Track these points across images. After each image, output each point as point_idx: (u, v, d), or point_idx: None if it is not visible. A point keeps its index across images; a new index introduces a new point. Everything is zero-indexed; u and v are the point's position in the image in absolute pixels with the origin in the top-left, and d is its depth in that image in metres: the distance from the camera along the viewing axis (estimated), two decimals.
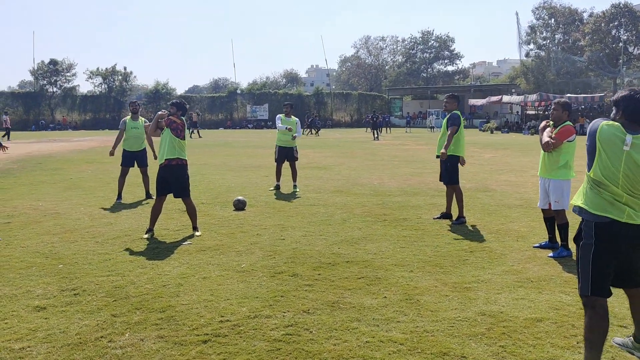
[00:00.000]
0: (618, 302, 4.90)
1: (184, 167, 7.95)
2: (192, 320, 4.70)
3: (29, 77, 75.25)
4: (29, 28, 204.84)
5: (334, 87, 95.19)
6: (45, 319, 4.74)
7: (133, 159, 11.20)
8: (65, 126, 64.93)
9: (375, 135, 37.60)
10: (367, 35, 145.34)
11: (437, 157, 9.02)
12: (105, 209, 10.00)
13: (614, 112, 3.78)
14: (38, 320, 4.71)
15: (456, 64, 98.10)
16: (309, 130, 46.59)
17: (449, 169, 8.84)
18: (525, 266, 6.30)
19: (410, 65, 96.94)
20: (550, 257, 6.68)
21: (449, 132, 8.73)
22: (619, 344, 4.19)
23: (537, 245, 7.18)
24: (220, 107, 72.65)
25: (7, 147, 7.50)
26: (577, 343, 4.21)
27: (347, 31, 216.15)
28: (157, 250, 7.08)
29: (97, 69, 70.58)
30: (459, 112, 8.91)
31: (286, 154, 12.46)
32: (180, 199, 8.14)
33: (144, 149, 11.31)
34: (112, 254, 6.85)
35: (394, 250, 7.04)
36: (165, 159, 7.80)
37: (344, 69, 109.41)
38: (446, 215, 9.04)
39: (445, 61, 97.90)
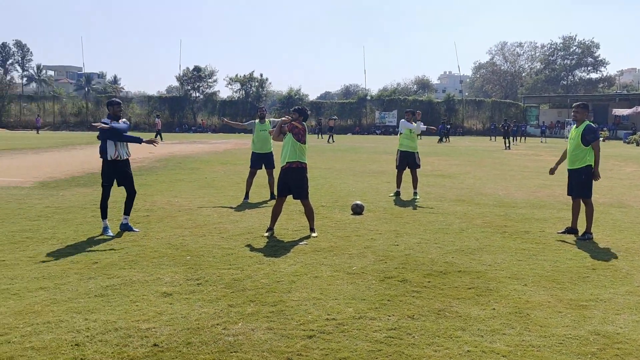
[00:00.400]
0: None
1: (304, 170, 8.29)
2: (300, 316, 4.94)
3: (175, 83, 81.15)
4: (177, 36, 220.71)
5: (466, 94, 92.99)
6: (170, 304, 5.21)
7: (261, 161, 11.84)
8: (205, 129, 69.12)
9: (507, 145, 36.31)
10: (503, 41, 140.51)
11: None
12: (232, 208, 10.64)
13: None
14: (164, 305, 5.19)
15: (600, 71, 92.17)
16: (445, 137, 46.32)
17: (584, 180, 8.40)
18: None
19: (549, 72, 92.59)
20: None
21: (594, 146, 8.30)
22: None
23: None
24: (350, 113, 73.77)
25: (156, 143, 8.64)
26: None
27: (482, 37, 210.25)
28: (275, 248, 7.45)
29: (236, 75, 74.69)
30: (592, 124, 8.50)
31: (408, 160, 12.48)
32: (299, 200, 8.49)
33: (271, 151, 11.90)
34: (234, 249, 7.32)
35: (510, 262, 6.86)
36: (287, 162, 8.20)
37: (477, 75, 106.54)
38: (572, 230, 8.62)
39: (589, 68, 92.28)
